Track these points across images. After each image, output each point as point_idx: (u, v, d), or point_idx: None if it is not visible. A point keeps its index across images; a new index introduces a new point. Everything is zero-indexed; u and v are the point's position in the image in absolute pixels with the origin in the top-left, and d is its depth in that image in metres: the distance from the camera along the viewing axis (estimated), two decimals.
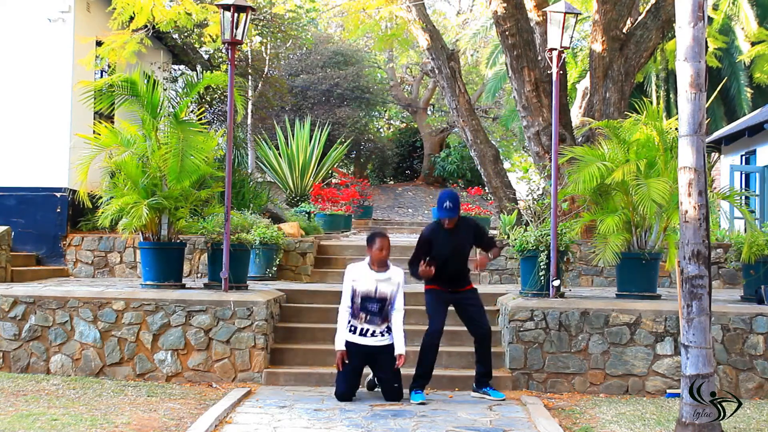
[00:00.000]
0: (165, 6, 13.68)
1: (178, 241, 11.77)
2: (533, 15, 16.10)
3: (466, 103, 17.83)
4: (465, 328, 11.16)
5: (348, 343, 9.22)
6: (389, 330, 9.29)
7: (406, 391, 9.32)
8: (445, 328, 11.17)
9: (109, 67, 13.87)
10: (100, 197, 11.64)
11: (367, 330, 9.21)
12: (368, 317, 9.18)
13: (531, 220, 13.08)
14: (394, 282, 9.28)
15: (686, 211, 7.31)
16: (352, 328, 9.24)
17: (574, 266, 14.09)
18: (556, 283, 10.63)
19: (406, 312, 9.54)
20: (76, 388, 9.39)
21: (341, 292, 9.12)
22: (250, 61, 23.90)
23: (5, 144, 14.38)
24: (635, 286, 10.83)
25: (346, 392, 9.15)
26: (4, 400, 8.63)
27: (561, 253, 10.90)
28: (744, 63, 25.65)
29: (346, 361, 9.11)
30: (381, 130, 41.06)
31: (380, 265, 9.26)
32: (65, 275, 14.24)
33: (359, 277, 9.22)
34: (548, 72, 14.94)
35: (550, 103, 13.47)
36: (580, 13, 13.60)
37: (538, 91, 15.77)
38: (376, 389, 9.54)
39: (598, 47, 16.12)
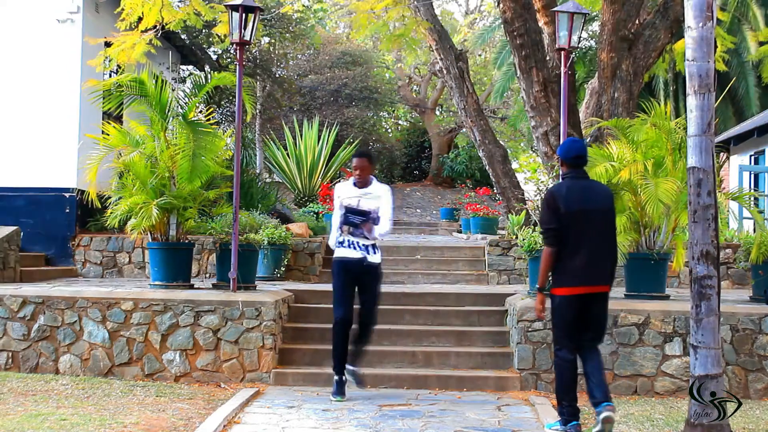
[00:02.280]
0: (174, 6, 13.70)
1: (187, 241, 11.78)
2: (541, 15, 16.08)
3: (474, 103, 17.83)
4: (474, 328, 11.22)
5: (338, 264, 9.38)
6: (375, 249, 9.43)
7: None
8: (452, 327, 11.25)
9: (119, 67, 13.90)
10: (109, 197, 11.66)
11: (351, 242, 9.34)
12: (351, 229, 9.34)
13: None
14: (376, 196, 9.44)
15: (695, 212, 7.30)
16: (339, 243, 9.41)
17: None
18: None
19: None
20: (85, 388, 9.41)
21: None
22: (258, 61, 23.92)
23: (14, 144, 14.43)
24: (644, 287, 10.81)
25: (345, 316, 9.25)
26: (13, 400, 8.66)
27: None
28: (753, 63, 25.59)
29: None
30: (389, 130, 41.06)
31: (361, 183, 9.45)
32: (74, 275, 14.28)
33: (343, 194, 9.50)
34: (557, 72, 14.93)
35: (559, 104, 13.47)
36: (588, 13, 13.59)
37: (547, 91, 15.76)
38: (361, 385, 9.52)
39: (606, 47, 16.09)
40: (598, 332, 7.77)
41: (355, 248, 9.32)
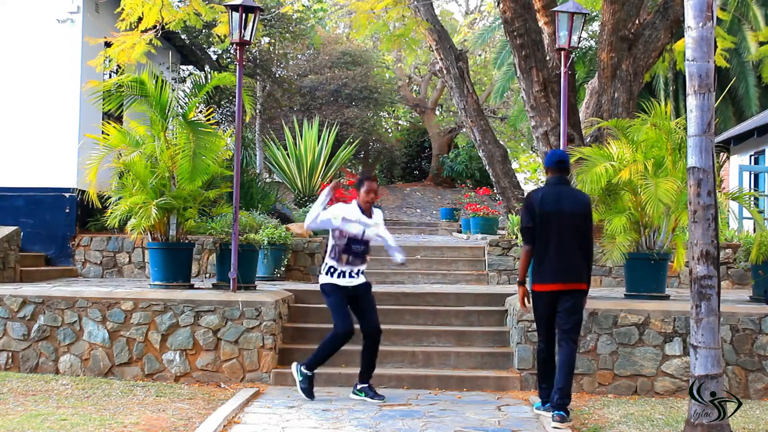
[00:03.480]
0: (174, 6, 13.70)
1: (187, 241, 11.79)
2: (541, 15, 16.08)
3: (474, 103, 17.83)
4: (474, 328, 11.23)
5: (331, 285, 9.23)
6: (363, 272, 9.35)
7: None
8: (452, 327, 11.26)
9: (119, 67, 13.91)
10: (109, 197, 11.67)
11: (348, 272, 9.21)
12: (351, 258, 9.21)
13: None
14: (376, 223, 9.42)
15: (695, 212, 7.30)
16: (333, 271, 9.21)
17: None
18: None
19: None
20: (85, 388, 9.41)
21: None
22: (258, 61, 23.90)
23: (15, 144, 14.44)
24: (644, 287, 10.81)
25: (349, 328, 9.12)
26: (13, 400, 8.66)
27: None
28: (753, 63, 25.58)
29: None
30: (389, 130, 41.06)
31: (368, 209, 9.33)
32: (74, 275, 14.28)
33: (350, 218, 9.20)
34: (557, 72, 14.93)
35: (559, 104, 13.47)
36: (588, 13, 13.59)
37: (547, 91, 15.75)
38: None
39: (606, 47, 16.09)
40: (573, 325, 8.33)
41: (350, 277, 9.23)
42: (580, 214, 8.34)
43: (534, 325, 9.98)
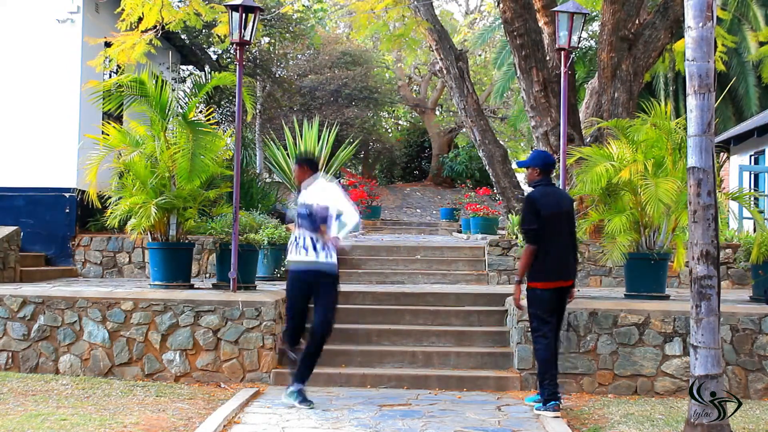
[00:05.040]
0: (174, 6, 13.69)
1: (187, 241, 11.79)
2: (541, 15, 16.08)
3: (474, 103, 17.82)
4: (474, 328, 11.22)
5: (292, 272, 8.95)
6: (326, 250, 8.80)
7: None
8: (452, 327, 11.26)
9: (119, 68, 13.91)
10: (109, 197, 11.67)
11: (301, 239, 8.80)
12: (300, 221, 8.85)
13: None
14: (311, 195, 8.95)
15: (695, 212, 7.29)
16: (292, 243, 8.92)
17: (583, 266, 14.07)
18: None
19: None
20: (85, 388, 9.41)
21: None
22: (258, 61, 23.89)
23: (15, 144, 14.44)
24: (644, 287, 10.82)
25: (294, 328, 8.97)
26: (13, 400, 8.66)
27: None
28: (753, 63, 25.57)
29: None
30: (389, 130, 41.06)
31: (299, 185, 9.19)
32: (74, 275, 14.28)
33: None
34: (557, 72, 14.93)
35: (559, 104, 13.46)
36: (588, 13, 13.58)
37: (547, 91, 15.75)
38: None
39: (606, 47, 16.09)
40: (561, 320, 9.15)
41: (306, 251, 8.79)
42: (572, 212, 8.93)
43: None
